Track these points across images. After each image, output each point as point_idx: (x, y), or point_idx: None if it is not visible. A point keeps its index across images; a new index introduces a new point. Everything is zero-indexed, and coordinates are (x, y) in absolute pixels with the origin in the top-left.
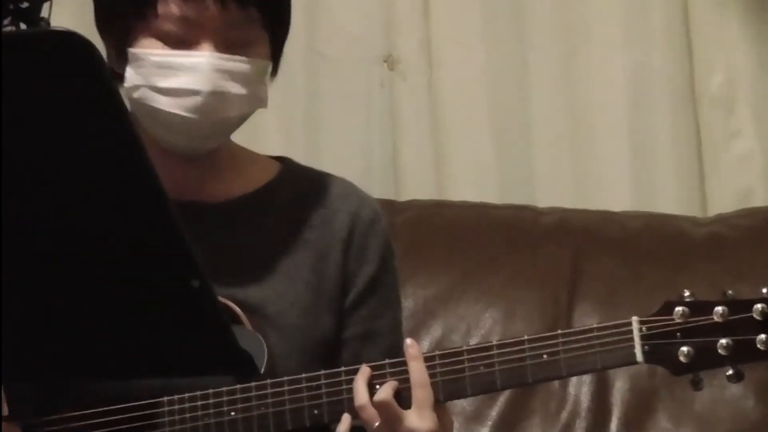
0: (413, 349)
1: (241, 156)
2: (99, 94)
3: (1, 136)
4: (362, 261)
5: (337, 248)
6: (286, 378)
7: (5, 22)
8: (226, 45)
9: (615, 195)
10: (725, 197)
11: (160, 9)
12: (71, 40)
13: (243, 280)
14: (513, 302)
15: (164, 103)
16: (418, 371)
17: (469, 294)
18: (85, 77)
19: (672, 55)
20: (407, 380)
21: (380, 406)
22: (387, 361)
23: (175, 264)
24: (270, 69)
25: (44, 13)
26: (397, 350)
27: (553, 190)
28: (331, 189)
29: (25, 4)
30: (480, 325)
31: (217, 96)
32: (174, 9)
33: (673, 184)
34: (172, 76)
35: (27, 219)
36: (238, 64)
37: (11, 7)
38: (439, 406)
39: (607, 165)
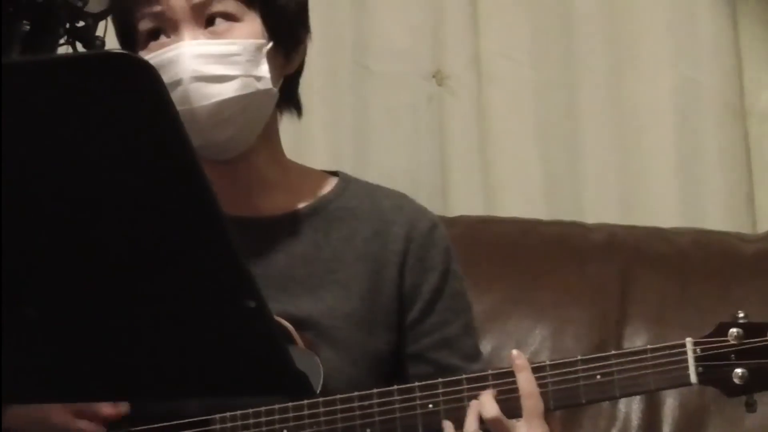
0: (520, 360)
1: (294, 170)
2: (158, 115)
3: (61, 156)
4: (424, 271)
5: (394, 261)
6: (338, 396)
7: (61, 41)
8: (207, 29)
9: (663, 211)
10: None
11: (137, 12)
12: (131, 61)
13: (296, 295)
14: (562, 319)
15: None
16: (527, 381)
17: (517, 310)
18: (144, 98)
19: (720, 70)
20: (512, 390)
21: (492, 423)
22: (490, 372)
23: (231, 284)
24: (268, 47)
25: (99, 32)
26: (475, 352)
27: (601, 207)
28: (385, 202)
29: (81, 23)
30: (529, 342)
31: (200, 80)
32: (146, 8)
33: (722, 200)
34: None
35: (84, 237)
36: (221, 46)
37: (67, 26)
38: (548, 414)
39: (655, 181)
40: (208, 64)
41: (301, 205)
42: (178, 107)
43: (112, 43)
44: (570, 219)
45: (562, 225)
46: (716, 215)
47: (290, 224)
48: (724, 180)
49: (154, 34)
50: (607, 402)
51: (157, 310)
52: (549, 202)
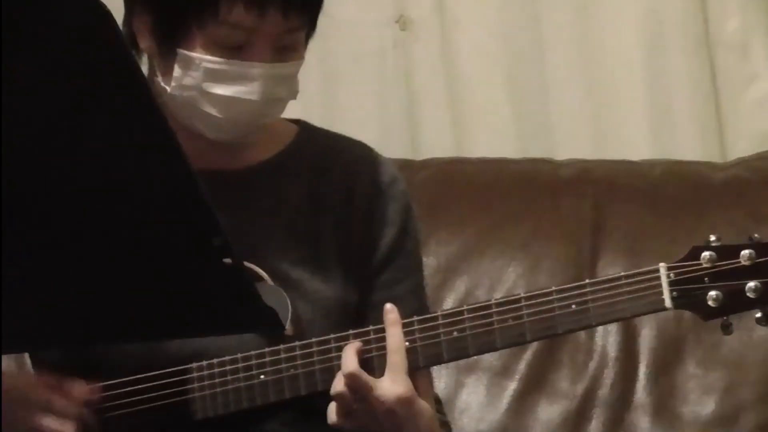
0: (392, 314)
1: None
2: (116, 58)
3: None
4: (382, 225)
5: (358, 214)
6: (314, 339)
7: None
8: (278, 50)
9: (634, 144)
10: (744, 141)
11: (222, 15)
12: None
13: (265, 247)
14: (536, 256)
15: (216, 110)
16: (395, 337)
17: (491, 249)
18: (100, 40)
19: (684, 1)
20: (381, 348)
21: (349, 378)
22: (371, 327)
23: (196, 222)
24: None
25: None
26: (423, 313)
27: (571, 143)
28: (348, 152)
29: None
30: (504, 280)
31: (269, 103)
32: (235, 16)
33: (692, 130)
34: (226, 83)
35: (44, 180)
36: (288, 69)
37: None
38: (424, 381)
39: (624, 114)
40: (277, 86)
41: (265, 157)
42: (237, 120)
43: None
44: (540, 156)
45: (533, 162)
46: (686, 145)
47: (256, 177)
48: (692, 110)
49: (226, 42)
50: (584, 335)
51: (121, 251)
52: (519, 140)
